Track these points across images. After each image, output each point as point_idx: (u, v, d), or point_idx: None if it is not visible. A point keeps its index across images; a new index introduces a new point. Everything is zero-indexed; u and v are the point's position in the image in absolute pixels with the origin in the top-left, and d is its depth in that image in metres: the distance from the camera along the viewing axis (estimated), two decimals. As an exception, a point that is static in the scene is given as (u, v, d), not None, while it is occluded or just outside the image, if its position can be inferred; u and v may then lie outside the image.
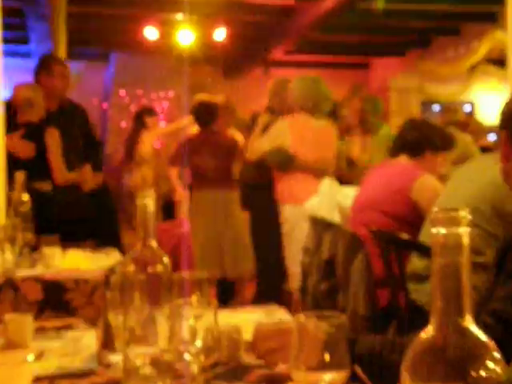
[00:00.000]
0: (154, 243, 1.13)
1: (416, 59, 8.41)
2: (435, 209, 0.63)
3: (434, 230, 0.63)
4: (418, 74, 8.50)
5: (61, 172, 3.58)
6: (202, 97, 4.93)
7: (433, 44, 8.25)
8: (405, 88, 8.65)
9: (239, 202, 4.70)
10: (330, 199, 3.35)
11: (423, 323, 0.64)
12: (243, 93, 7.91)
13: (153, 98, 7.88)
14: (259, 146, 4.08)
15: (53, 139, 3.56)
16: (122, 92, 8.12)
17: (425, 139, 2.77)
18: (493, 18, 6.44)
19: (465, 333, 0.61)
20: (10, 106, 3.50)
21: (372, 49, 8.53)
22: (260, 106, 4.89)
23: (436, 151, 2.79)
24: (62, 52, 5.48)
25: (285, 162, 3.94)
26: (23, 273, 2.32)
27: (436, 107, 8.62)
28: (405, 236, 2.36)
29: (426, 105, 8.63)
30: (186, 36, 6.74)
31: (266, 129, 4.23)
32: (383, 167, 2.89)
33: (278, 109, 4.35)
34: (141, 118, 6.35)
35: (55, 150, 3.56)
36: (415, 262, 2.34)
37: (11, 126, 3.39)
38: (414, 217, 2.62)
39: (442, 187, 2.55)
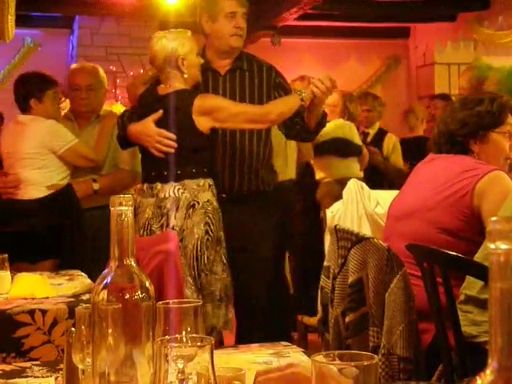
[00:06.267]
0: (132, 263, 1.14)
1: (470, 24, 8.39)
2: (494, 218, 0.63)
3: (492, 246, 0.63)
4: (473, 44, 8.48)
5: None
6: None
7: (493, 4, 8.23)
8: (455, 62, 8.64)
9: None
10: (357, 205, 3.35)
11: (479, 366, 0.64)
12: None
13: (129, 75, 7.88)
14: None
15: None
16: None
17: (483, 116, 2.74)
18: None
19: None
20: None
21: (413, 11, 8.52)
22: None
23: (500, 125, 2.75)
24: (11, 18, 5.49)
25: None
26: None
27: (495, 86, 8.62)
28: (454, 253, 2.35)
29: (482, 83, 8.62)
30: (171, -5, 6.77)
31: None
32: (434, 162, 2.86)
33: None
34: None
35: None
36: (469, 288, 2.33)
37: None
38: (476, 230, 2.59)
39: None
